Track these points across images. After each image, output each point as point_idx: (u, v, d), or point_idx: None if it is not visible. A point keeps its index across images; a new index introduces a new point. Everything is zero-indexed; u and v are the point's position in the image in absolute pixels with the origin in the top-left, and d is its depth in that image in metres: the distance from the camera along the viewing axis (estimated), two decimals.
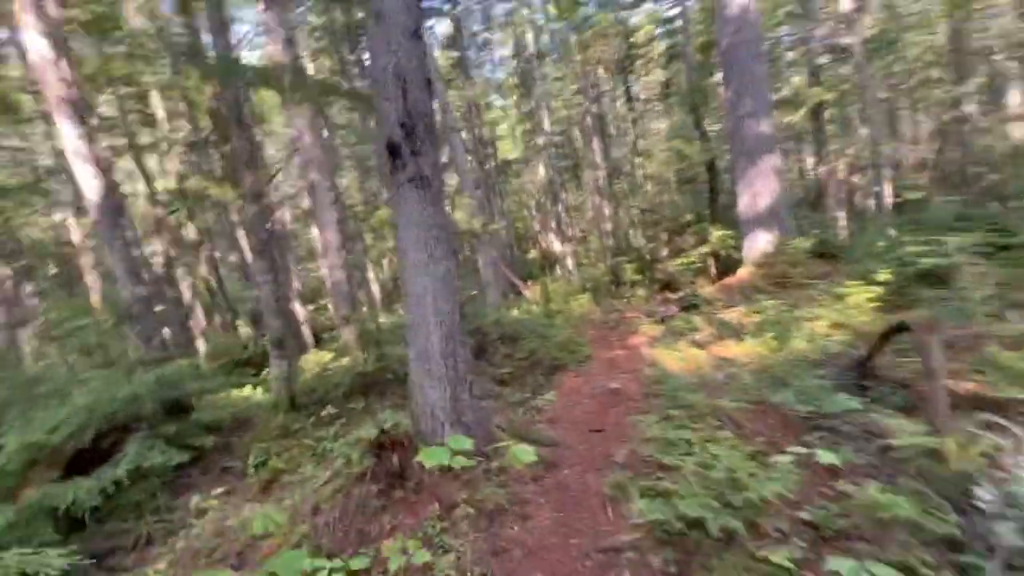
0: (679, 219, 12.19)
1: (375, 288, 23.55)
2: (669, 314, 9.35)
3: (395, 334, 8.00)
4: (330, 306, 16.52)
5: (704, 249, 11.08)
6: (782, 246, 10.09)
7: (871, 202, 13.19)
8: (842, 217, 13.35)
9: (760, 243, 10.36)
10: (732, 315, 8.16)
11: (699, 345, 6.52)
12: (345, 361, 8.65)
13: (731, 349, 6.00)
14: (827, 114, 14.82)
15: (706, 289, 10.32)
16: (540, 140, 24.21)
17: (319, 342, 14.94)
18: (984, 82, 15.19)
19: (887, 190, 12.81)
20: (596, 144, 20.54)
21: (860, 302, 6.22)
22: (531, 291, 16.53)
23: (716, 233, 11.32)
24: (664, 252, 12.96)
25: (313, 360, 10.65)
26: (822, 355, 4.88)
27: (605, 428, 4.34)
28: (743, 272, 10.49)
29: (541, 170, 24.29)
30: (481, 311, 8.14)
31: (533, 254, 31.11)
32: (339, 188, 17.10)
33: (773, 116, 10.39)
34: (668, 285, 12.66)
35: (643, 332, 8.60)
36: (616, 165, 20.37)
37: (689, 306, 9.42)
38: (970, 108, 15.21)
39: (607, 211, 16.60)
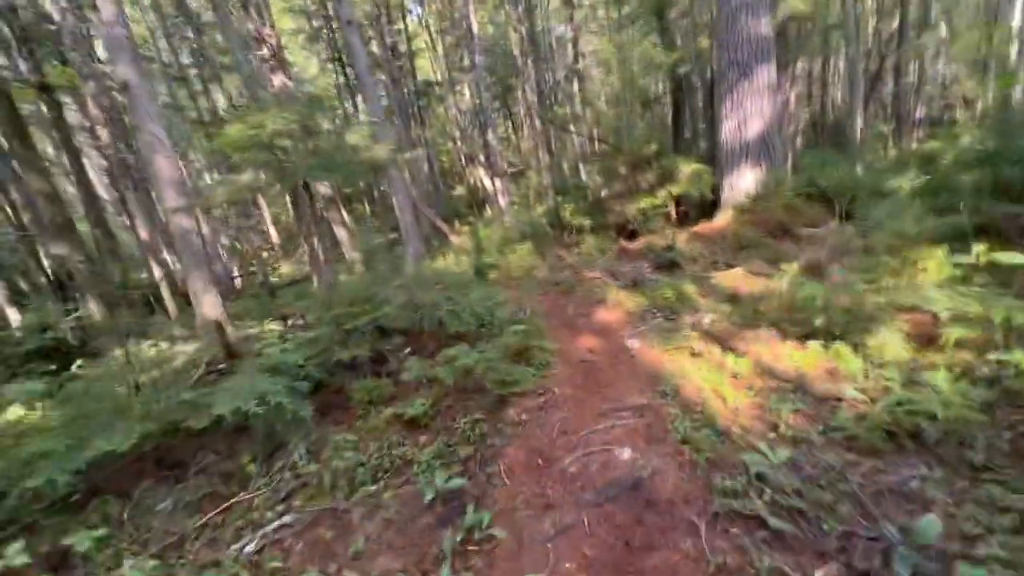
0: (638, 151, 9.62)
1: None
2: (642, 276, 6.96)
3: None
4: None
5: (674, 189, 8.66)
6: (773, 185, 7.86)
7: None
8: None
9: (745, 182, 8.09)
10: (732, 280, 5.89)
11: (718, 340, 4.14)
12: None
13: (781, 354, 3.65)
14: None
15: (677, 239, 8.00)
16: (466, 59, 20.35)
17: None
18: None
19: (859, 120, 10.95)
20: (530, 63, 17.20)
21: (943, 268, 4.05)
22: (458, 237, 13.61)
23: (688, 167, 8.90)
24: (619, 191, 10.44)
25: None
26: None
27: None
28: (723, 218, 8.26)
29: (467, 94, 20.59)
30: (384, 290, 5.28)
31: (460, 191, 27.76)
32: None
33: (772, 12, 7.80)
34: (624, 231, 10.27)
35: (614, 303, 6.16)
36: (554, 88, 17.26)
37: (667, 264, 7.06)
38: None
39: (544, 141, 13.70)
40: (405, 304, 5.05)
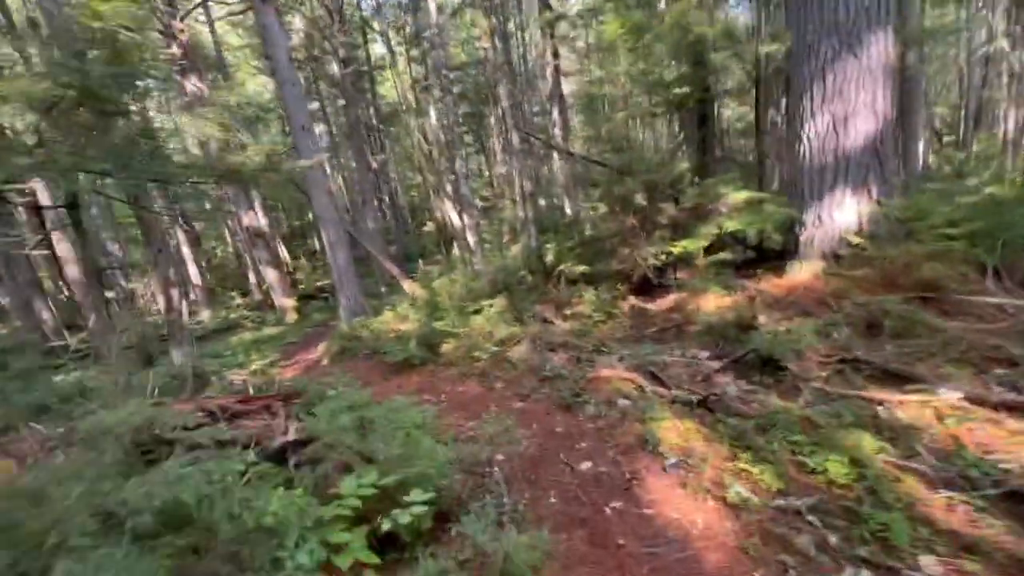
0: (655, 172, 6.49)
1: None
2: (713, 386, 3.60)
3: None
4: None
5: (728, 224, 5.43)
6: (891, 220, 4.77)
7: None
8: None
9: (845, 215, 4.95)
10: (942, 430, 2.62)
11: None
12: None
13: None
14: None
15: (748, 304, 4.76)
16: (431, 78, 17.47)
17: None
18: None
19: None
20: (503, 86, 14.30)
21: None
22: (412, 285, 10.12)
23: (736, 194, 5.75)
24: (625, 227, 7.22)
25: None
26: None
27: None
28: (806, 272, 5.06)
29: (433, 118, 17.57)
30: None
31: (430, 227, 24.46)
32: None
33: None
34: (635, 283, 7.03)
35: (681, 469, 2.75)
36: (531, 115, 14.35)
37: (754, 362, 3.73)
38: None
39: (522, 165, 10.54)
40: None
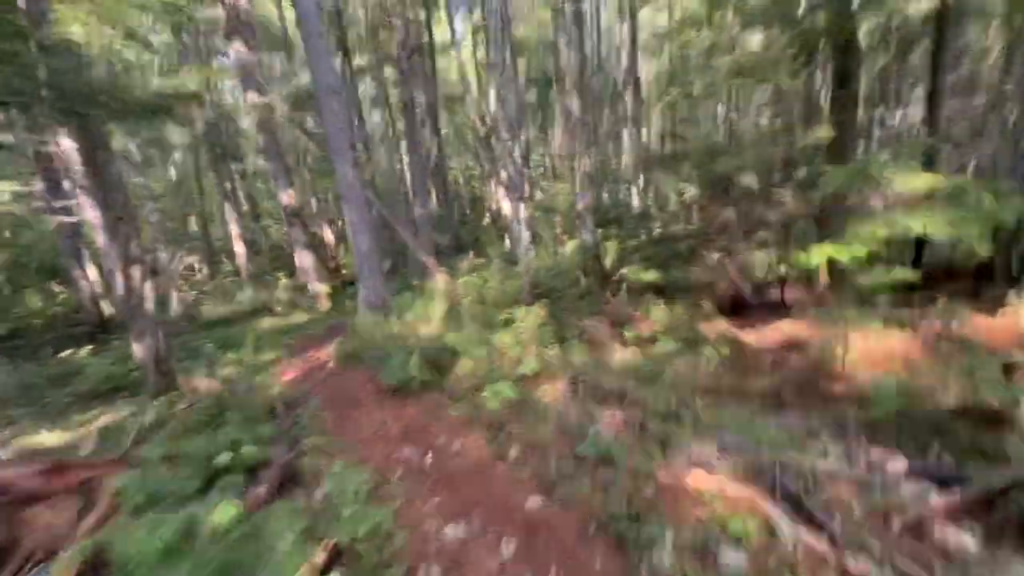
0: (772, 146, 4.41)
1: None
2: None
3: None
4: None
5: (918, 225, 3.30)
6: None
7: None
8: None
9: None
10: None
11: None
12: None
13: None
14: None
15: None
16: (492, 54, 15.84)
17: None
18: None
19: None
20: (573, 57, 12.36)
21: None
22: (445, 279, 8.51)
23: (926, 181, 3.57)
24: (715, 224, 5.17)
25: None
26: None
27: None
28: None
29: (493, 99, 15.95)
30: None
31: (488, 220, 23.00)
32: None
33: None
34: (729, 302, 5.01)
35: None
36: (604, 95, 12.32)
37: (1011, 505, 1.72)
38: None
39: (583, 143, 8.61)
40: None
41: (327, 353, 7.34)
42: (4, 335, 9.04)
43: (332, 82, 7.32)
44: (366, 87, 19.90)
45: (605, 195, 15.07)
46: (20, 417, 5.36)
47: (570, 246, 11.66)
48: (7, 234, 15.93)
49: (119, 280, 4.65)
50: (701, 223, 5.22)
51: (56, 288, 13.37)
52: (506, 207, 13.15)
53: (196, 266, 17.66)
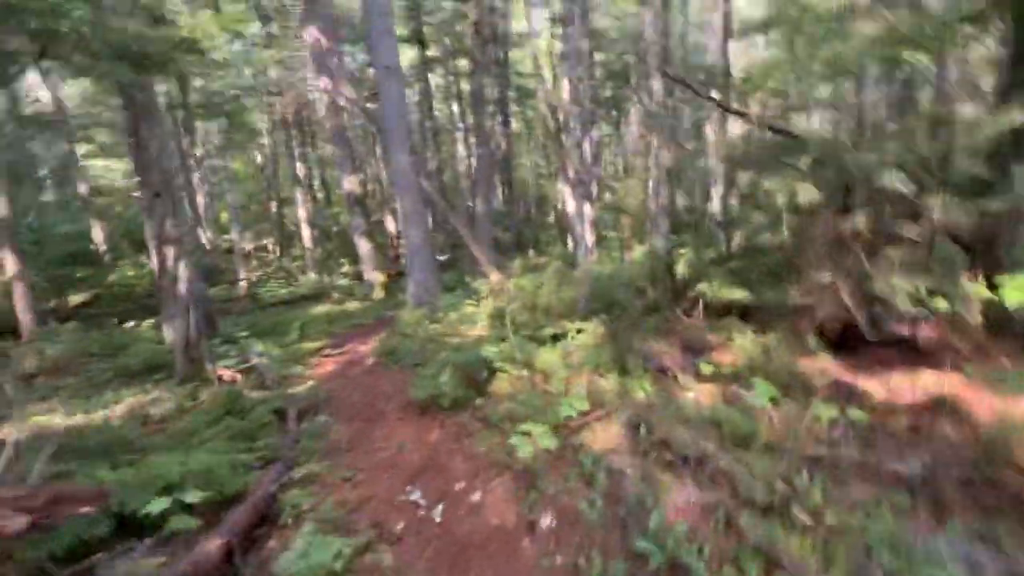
0: (923, 144, 3.28)
1: None
2: None
3: None
4: None
5: None
6: None
7: None
8: None
9: None
10: None
11: None
12: None
13: None
14: None
15: None
16: (570, 45, 14.94)
17: None
18: None
19: None
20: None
21: None
22: (498, 278, 7.82)
23: None
24: (840, 236, 4.05)
25: None
26: None
27: None
28: None
29: (567, 91, 15.09)
30: None
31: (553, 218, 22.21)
32: None
33: None
34: (831, 330, 3.91)
35: None
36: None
37: None
38: None
39: (656, 135, 7.61)
40: None
41: (369, 347, 6.94)
42: (86, 301, 9.51)
43: (392, 62, 6.85)
44: (438, 79, 19.62)
45: (680, 198, 13.76)
46: (63, 389, 5.32)
47: (637, 252, 10.61)
48: (118, 208, 17.33)
49: (154, 258, 4.41)
50: (806, 233, 4.14)
51: (144, 261, 14.23)
52: (571, 206, 12.28)
53: (270, 248, 18.32)
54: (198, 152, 15.14)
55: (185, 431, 3.08)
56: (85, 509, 1.80)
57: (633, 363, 3.95)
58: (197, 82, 12.55)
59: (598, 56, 18.22)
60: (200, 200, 15.70)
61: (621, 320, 4.71)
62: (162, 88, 14.27)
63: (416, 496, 2.69)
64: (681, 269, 5.51)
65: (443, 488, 2.74)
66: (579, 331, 4.46)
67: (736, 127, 9.28)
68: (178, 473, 2.17)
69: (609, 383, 3.64)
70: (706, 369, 3.68)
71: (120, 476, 2.15)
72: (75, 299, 9.44)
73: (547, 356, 4.02)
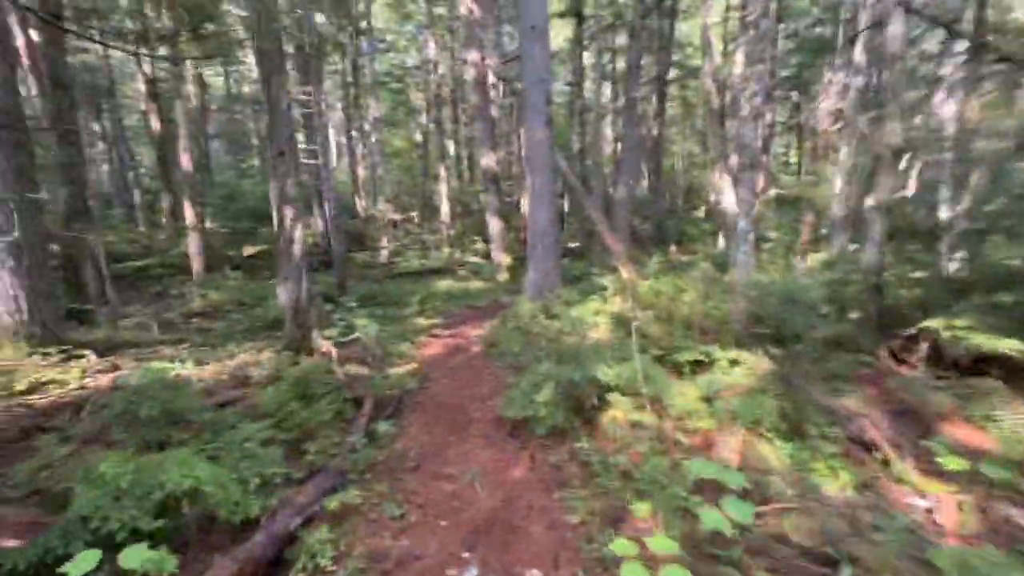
0: None
1: None
2: None
3: None
4: None
5: None
6: None
7: None
8: None
9: None
10: None
11: None
12: None
13: None
14: None
15: None
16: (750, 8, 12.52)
17: None
18: None
19: None
20: None
21: None
22: (631, 273, 6.65)
23: None
24: None
25: None
26: None
27: None
28: None
29: (740, 64, 12.81)
30: None
31: (700, 213, 19.75)
32: None
33: None
34: None
35: None
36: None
37: None
38: None
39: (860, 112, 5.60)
40: None
41: (479, 333, 6.43)
42: (256, 253, 10.68)
43: (539, 22, 6.02)
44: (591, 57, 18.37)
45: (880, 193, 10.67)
46: (209, 332, 5.72)
47: (812, 260, 8.44)
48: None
49: (275, 218, 4.35)
50: None
51: (310, 221, 15.86)
52: (729, 199, 10.35)
53: (415, 220, 19.25)
54: (366, 126, 16.27)
55: (233, 419, 2.73)
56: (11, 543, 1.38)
57: (815, 426, 2.65)
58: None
59: (781, 27, 15.29)
60: (360, 171, 16.92)
61: (796, 356, 3.35)
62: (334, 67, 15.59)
63: (471, 574, 1.92)
64: (898, 292, 3.83)
65: (507, 571, 1.92)
66: (733, 362, 3.23)
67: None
68: (181, 492, 1.71)
69: (775, 452, 2.44)
70: (949, 462, 2.25)
71: (120, 477, 1.76)
72: (248, 250, 10.66)
73: (685, 392, 2.92)
